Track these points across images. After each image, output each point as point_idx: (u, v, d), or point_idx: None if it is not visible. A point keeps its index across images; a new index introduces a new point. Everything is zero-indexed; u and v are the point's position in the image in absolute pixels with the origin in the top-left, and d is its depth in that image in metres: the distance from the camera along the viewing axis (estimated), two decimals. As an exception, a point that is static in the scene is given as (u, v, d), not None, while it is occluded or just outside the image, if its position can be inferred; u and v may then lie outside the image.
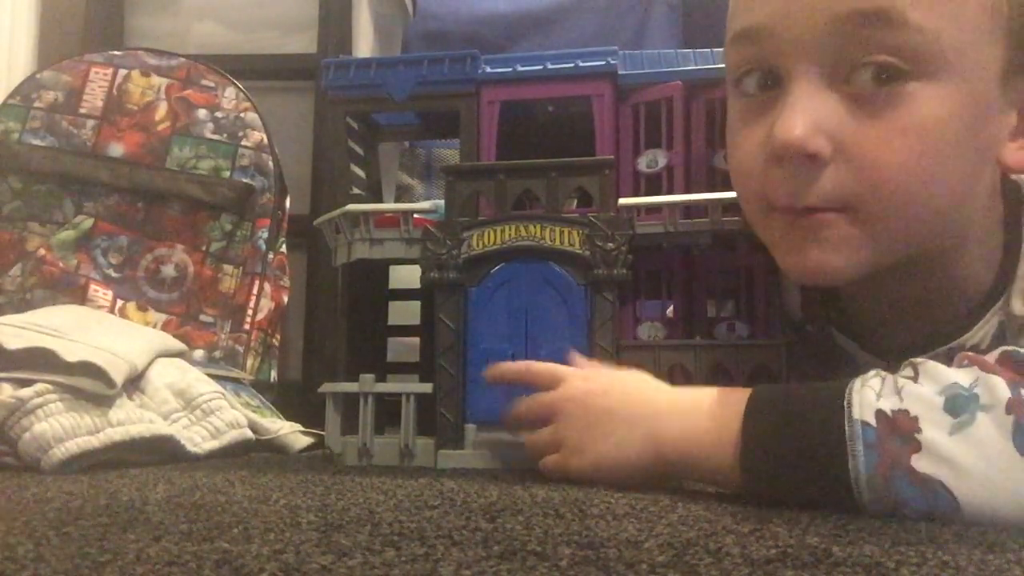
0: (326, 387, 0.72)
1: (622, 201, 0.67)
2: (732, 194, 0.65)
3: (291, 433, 0.88)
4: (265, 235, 1.05)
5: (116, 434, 0.66)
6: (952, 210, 0.54)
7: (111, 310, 0.99)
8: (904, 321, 0.61)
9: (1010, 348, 0.46)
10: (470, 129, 0.74)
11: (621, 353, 0.65)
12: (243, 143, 1.06)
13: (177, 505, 0.46)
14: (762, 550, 0.34)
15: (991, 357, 0.46)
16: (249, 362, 1.01)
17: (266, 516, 0.42)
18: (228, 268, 1.04)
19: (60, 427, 0.64)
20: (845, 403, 0.45)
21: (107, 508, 0.45)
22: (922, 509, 0.42)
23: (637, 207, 0.67)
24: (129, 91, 1.08)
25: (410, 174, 1.79)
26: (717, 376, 0.64)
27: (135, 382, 0.74)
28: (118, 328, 0.86)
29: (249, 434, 0.81)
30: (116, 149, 1.05)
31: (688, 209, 0.67)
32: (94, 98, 1.07)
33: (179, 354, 0.85)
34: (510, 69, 0.74)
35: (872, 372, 0.48)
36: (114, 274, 1.02)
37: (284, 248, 1.09)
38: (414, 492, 0.51)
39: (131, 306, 1.01)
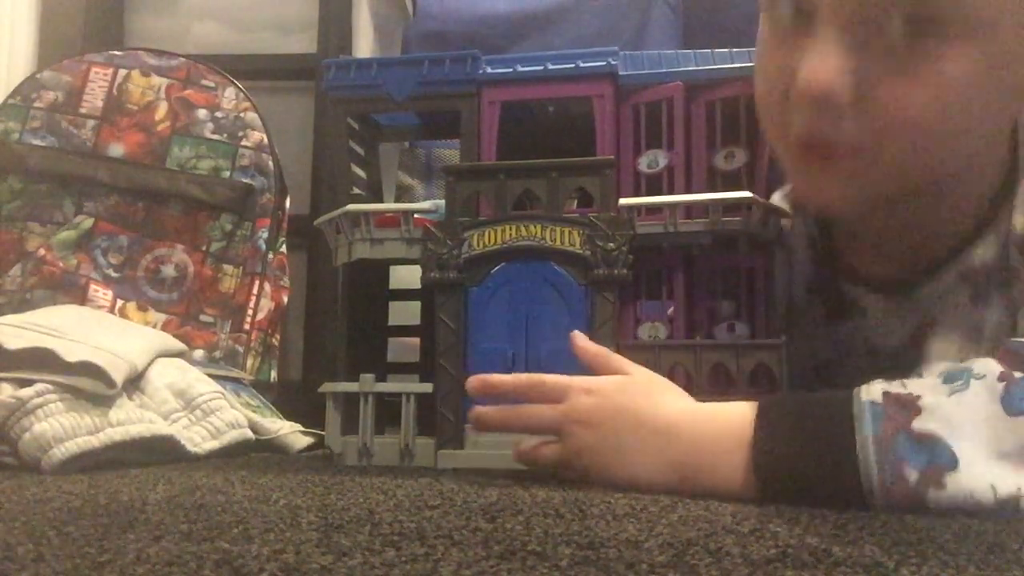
0: (326, 387, 0.72)
1: (622, 201, 0.67)
2: (732, 194, 0.65)
3: (291, 433, 0.88)
4: (265, 235, 1.05)
5: (116, 434, 0.66)
6: (967, 157, 0.56)
7: (111, 310, 0.99)
8: (909, 237, 0.63)
9: (1012, 341, 0.48)
10: (470, 129, 0.74)
11: (621, 353, 0.65)
12: (243, 143, 1.06)
13: (177, 505, 0.46)
14: (762, 550, 0.34)
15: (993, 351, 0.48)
16: (249, 362, 1.01)
17: (266, 516, 0.42)
18: (228, 268, 1.04)
19: (60, 427, 0.64)
20: (854, 393, 0.48)
21: (107, 508, 0.45)
22: (921, 465, 0.44)
23: (638, 207, 0.67)
24: (129, 91, 1.08)
25: (410, 174, 1.79)
26: (717, 376, 0.64)
27: (135, 382, 0.74)
28: (118, 328, 0.86)
29: (249, 434, 0.81)
30: (116, 149, 1.05)
31: (688, 209, 0.67)
32: (94, 98, 1.07)
33: (179, 354, 0.85)
34: (511, 69, 0.74)
35: (876, 381, 0.49)
36: (114, 274, 1.02)
37: (284, 248, 1.09)
38: (414, 492, 0.51)
39: (131, 306, 1.01)
